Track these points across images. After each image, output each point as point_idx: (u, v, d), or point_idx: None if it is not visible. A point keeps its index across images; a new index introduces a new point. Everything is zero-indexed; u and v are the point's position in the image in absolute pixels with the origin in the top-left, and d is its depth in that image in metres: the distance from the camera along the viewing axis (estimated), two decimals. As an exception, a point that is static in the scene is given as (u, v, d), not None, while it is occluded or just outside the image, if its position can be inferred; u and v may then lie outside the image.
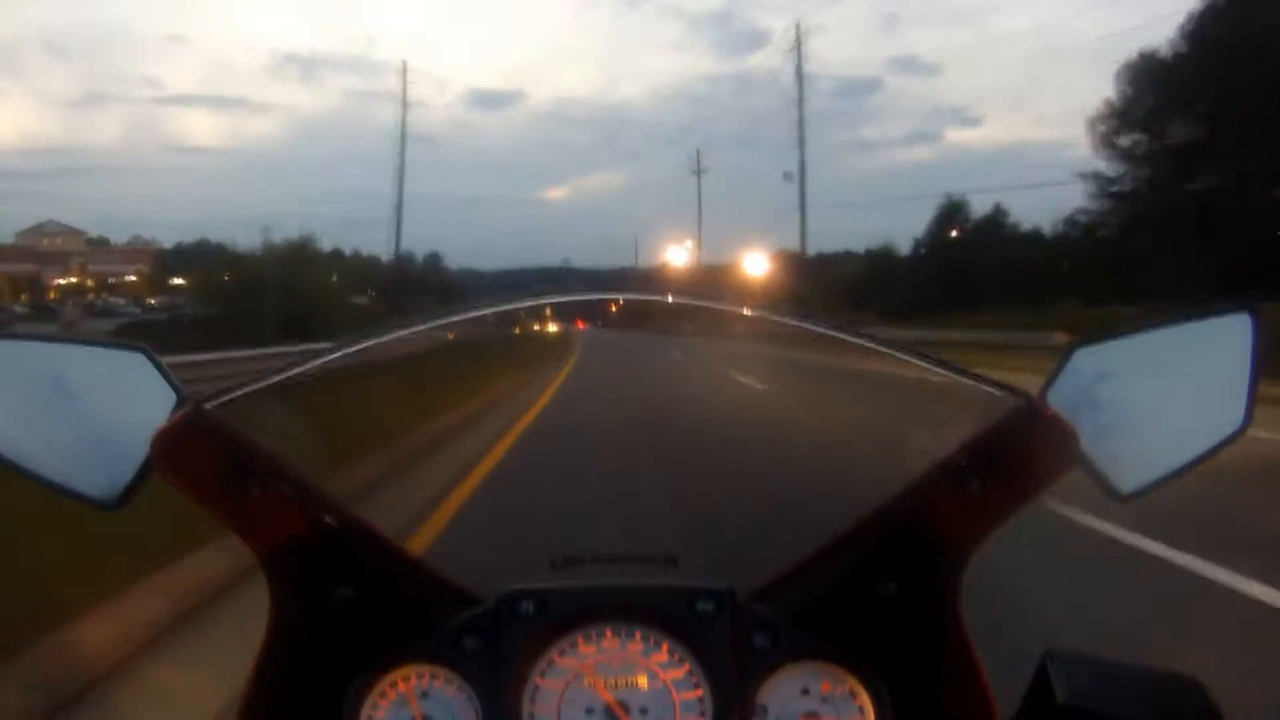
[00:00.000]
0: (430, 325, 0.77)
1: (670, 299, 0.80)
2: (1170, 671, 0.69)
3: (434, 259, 59.41)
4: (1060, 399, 0.66)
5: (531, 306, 0.78)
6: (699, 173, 58.21)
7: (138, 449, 0.64)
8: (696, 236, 58.25)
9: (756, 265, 45.38)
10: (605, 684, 0.68)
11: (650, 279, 54.10)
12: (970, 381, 0.68)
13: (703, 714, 0.67)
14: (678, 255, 57.95)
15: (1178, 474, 0.66)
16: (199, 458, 0.64)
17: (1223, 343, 0.66)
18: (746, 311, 0.76)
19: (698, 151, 65.62)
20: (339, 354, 0.70)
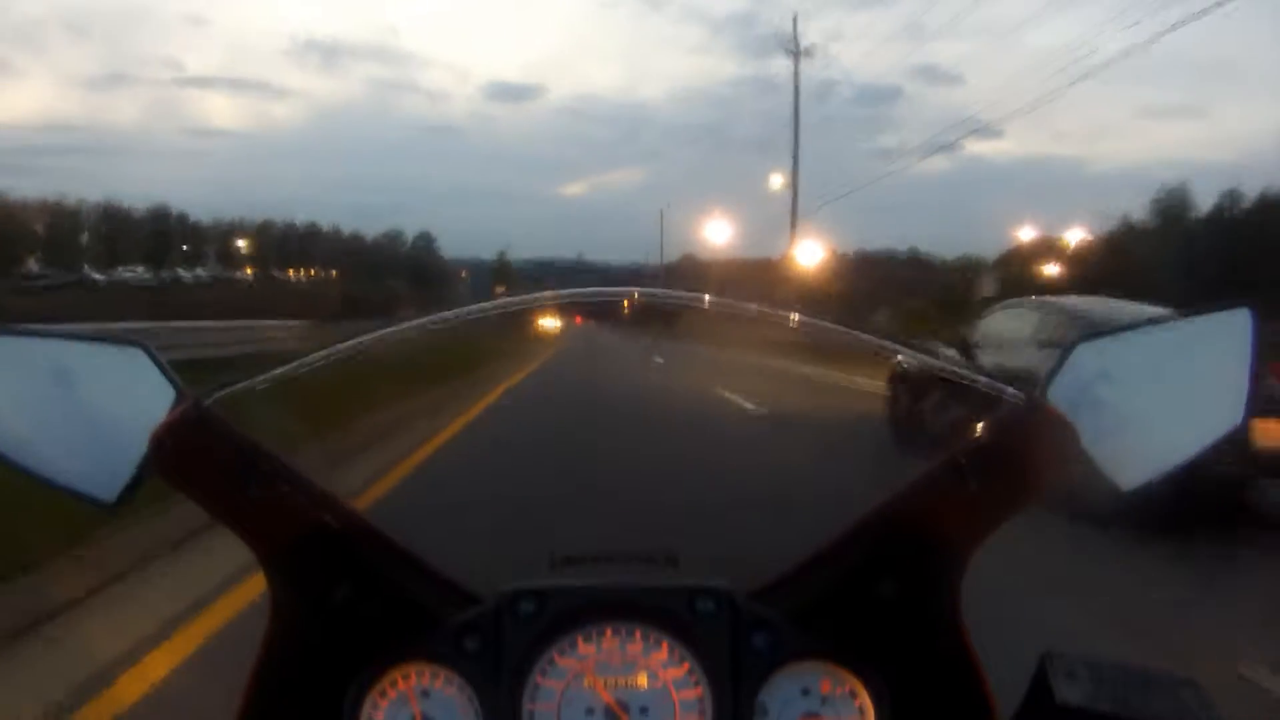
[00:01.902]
0: (423, 320, 0.75)
1: (707, 301, 0.72)
2: (1169, 672, 0.69)
3: (424, 239, 53.06)
4: (1061, 396, 0.66)
5: (539, 306, 0.76)
6: (797, 53, 30.07)
7: (137, 446, 0.63)
8: (793, 163, 30.87)
9: (810, 258, 30.40)
10: (605, 684, 0.68)
11: (676, 273, 48.08)
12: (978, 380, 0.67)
13: (703, 713, 0.67)
14: (719, 233, 40.48)
15: (1178, 470, 0.66)
16: (198, 456, 0.64)
17: (1223, 339, 0.66)
18: (793, 322, 0.70)
19: (794, 19, 37.50)
20: (334, 350, 0.69)
